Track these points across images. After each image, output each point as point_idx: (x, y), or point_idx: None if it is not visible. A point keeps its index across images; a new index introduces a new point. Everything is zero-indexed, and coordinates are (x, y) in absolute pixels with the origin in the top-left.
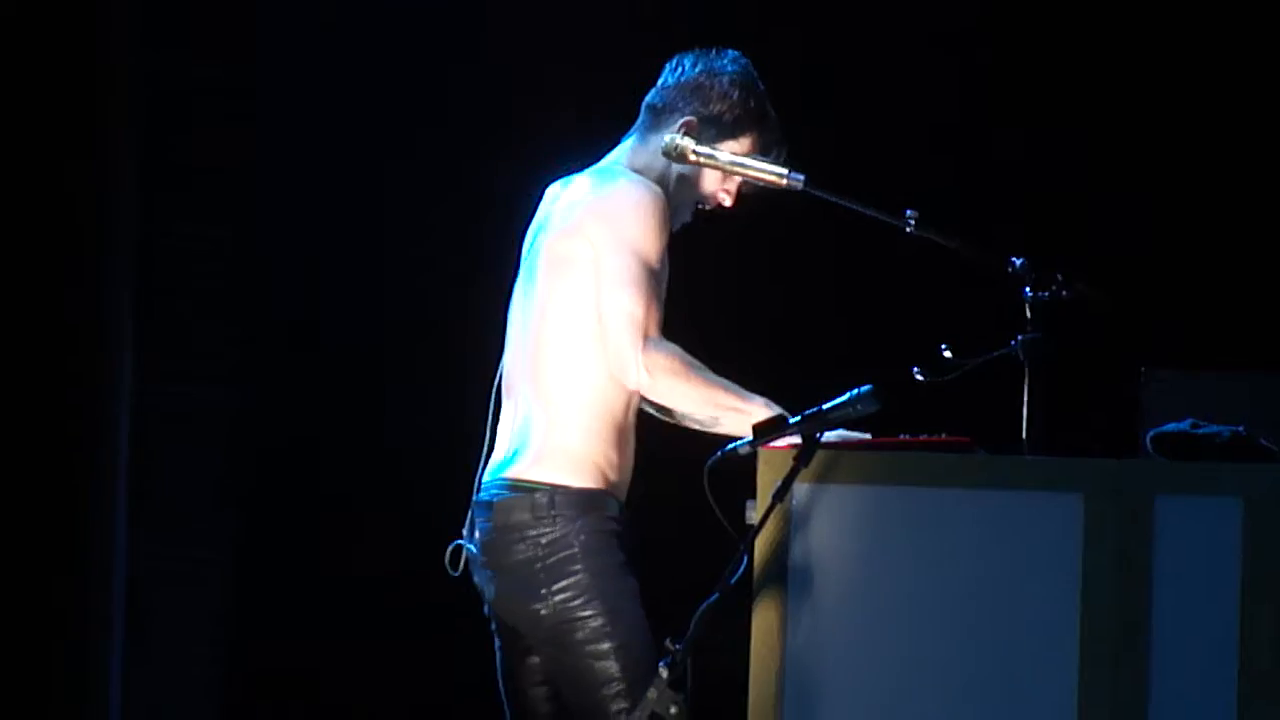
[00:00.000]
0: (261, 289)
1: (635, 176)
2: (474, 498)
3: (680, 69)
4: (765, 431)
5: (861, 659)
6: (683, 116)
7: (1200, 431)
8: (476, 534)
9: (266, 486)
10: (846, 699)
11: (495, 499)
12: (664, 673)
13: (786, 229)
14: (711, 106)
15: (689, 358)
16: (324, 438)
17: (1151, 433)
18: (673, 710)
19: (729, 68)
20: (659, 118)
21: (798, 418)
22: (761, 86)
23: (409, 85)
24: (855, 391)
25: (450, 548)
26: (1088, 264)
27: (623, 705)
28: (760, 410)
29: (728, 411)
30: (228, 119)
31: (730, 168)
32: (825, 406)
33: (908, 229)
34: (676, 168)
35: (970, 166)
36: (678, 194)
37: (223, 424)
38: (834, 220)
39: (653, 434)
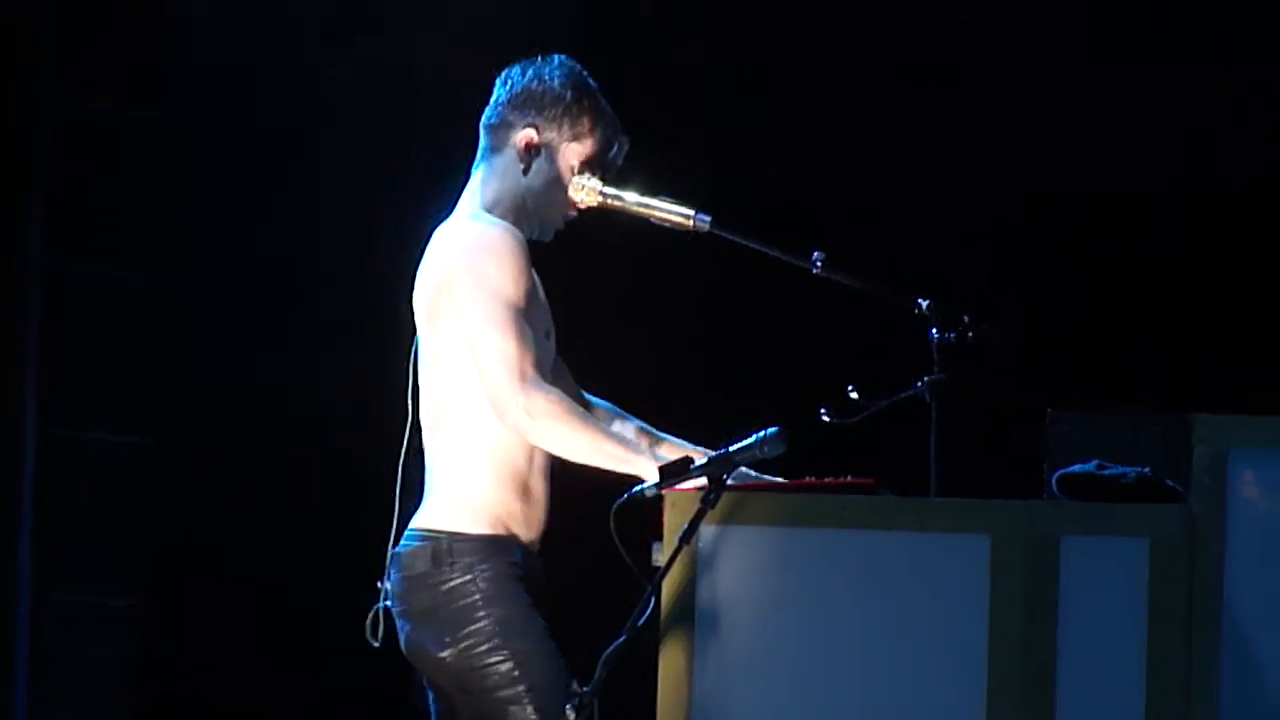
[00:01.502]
0: (178, 330)
1: (489, 219)
2: (390, 550)
3: (510, 82)
4: (672, 474)
5: (769, 701)
6: (520, 129)
7: (1106, 473)
8: (389, 584)
9: (178, 532)
10: None
11: (403, 549)
12: (571, 716)
13: (693, 270)
14: (545, 112)
15: (572, 403)
16: (241, 481)
17: (1057, 474)
18: None
19: (557, 73)
20: (498, 135)
21: (704, 460)
22: (594, 85)
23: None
24: (762, 433)
25: (370, 615)
26: (995, 305)
27: None
28: (647, 466)
29: (612, 461)
30: (151, 158)
31: (637, 208)
32: (732, 449)
33: (814, 270)
34: (526, 182)
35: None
36: (537, 209)
37: (133, 467)
38: (743, 260)
39: (557, 475)
